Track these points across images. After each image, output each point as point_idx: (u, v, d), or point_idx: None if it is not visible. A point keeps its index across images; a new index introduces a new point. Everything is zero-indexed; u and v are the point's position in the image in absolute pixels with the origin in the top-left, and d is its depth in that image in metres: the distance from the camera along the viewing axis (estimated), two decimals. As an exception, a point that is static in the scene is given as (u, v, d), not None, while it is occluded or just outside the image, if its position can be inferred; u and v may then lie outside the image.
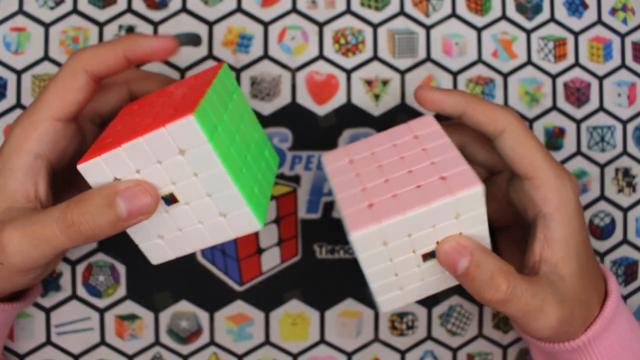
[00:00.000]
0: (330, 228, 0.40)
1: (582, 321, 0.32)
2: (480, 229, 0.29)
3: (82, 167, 0.28)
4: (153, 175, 0.28)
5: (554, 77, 0.42)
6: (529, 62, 0.42)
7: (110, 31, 0.39)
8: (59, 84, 0.30)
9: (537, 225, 0.32)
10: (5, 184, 0.30)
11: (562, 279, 0.31)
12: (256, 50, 0.40)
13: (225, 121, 0.29)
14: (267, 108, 0.40)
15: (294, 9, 0.40)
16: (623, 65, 0.42)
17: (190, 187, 0.28)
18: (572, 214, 0.31)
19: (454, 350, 0.41)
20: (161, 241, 0.30)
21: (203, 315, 0.40)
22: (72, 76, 0.30)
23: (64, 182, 0.34)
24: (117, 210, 0.27)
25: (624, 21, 0.42)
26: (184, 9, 0.40)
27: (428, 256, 0.30)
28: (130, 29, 0.39)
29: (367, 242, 0.29)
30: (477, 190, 0.27)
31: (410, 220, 0.28)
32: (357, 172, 0.31)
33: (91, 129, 0.34)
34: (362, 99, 0.41)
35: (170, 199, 0.29)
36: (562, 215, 0.31)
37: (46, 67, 0.39)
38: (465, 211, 0.28)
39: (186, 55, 0.40)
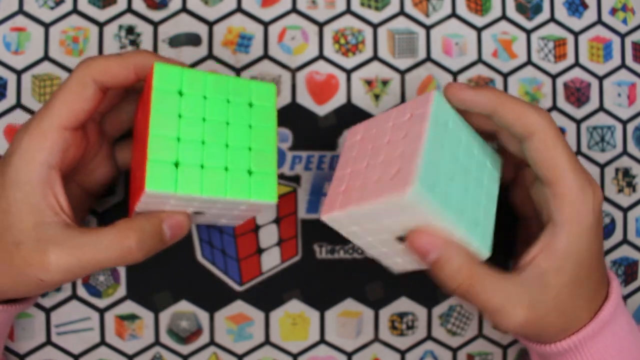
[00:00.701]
0: (330, 228, 0.40)
1: (561, 330, 0.32)
2: (435, 220, 0.29)
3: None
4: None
5: (554, 77, 0.42)
6: (529, 62, 0.42)
7: (110, 31, 0.39)
8: (68, 92, 0.30)
9: (545, 230, 0.32)
10: (26, 198, 0.29)
11: (545, 286, 0.31)
12: (256, 50, 0.40)
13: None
14: (267, 108, 0.40)
15: (294, 9, 0.40)
16: (623, 65, 0.42)
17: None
18: (584, 228, 0.31)
19: (454, 350, 0.41)
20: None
21: (203, 315, 0.40)
22: (81, 85, 0.30)
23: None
24: (164, 236, 0.31)
25: (624, 21, 0.42)
26: (184, 9, 0.40)
27: (401, 240, 0.31)
28: (130, 29, 0.39)
29: (336, 223, 0.31)
30: (407, 193, 0.27)
31: (357, 212, 0.30)
32: (357, 151, 0.32)
33: (93, 127, 0.34)
34: (362, 99, 0.41)
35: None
36: (572, 229, 0.31)
37: (46, 67, 0.39)
38: (408, 209, 0.28)
39: (186, 55, 0.40)
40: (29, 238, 0.29)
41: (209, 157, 0.29)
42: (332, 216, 0.31)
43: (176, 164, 0.29)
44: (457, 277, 0.30)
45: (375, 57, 0.41)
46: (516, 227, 0.39)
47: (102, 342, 0.40)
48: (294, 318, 0.41)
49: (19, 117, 0.39)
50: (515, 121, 0.31)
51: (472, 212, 0.30)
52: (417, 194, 0.27)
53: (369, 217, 0.30)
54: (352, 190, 0.30)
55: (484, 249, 0.31)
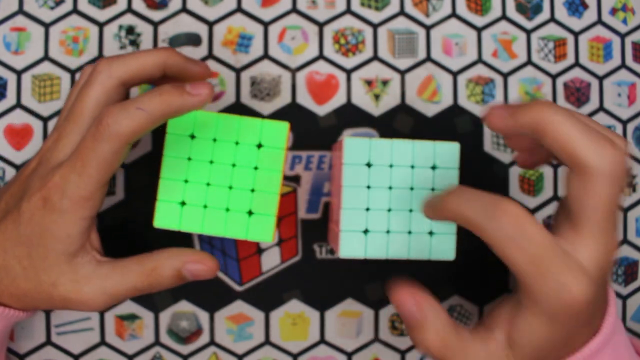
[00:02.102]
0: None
1: None
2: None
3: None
4: None
5: (554, 77, 0.42)
6: (529, 62, 0.42)
7: (110, 31, 0.39)
8: (102, 156, 0.29)
9: (511, 299, 0.30)
10: (65, 248, 0.31)
11: (507, 357, 0.29)
12: (256, 50, 0.40)
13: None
14: (267, 108, 0.40)
15: (294, 9, 0.40)
16: (623, 65, 0.42)
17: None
18: (548, 316, 0.28)
19: (454, 350, 0.41)
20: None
21: (203, 315, 0.40)
22: (116, 152, 0.29)
23: None
24: (183, 279, 0.32)
25: (624, 21, 0.42)
26: (184, 9, 0.40)
27: None
28: (130, 29, 0.39)
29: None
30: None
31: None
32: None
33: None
34: (362, 99, 0.41)
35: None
36: (534, 316, 0.28)
37: (46, 67, 0.39)
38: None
39: (186, 55, 0.40)
40: (67, 280, 0.31)
41: (212, 198, 0.32)
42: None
43: (182, 203, 0.32)
44: (429, 344, 0.29)
45: (375, 57, 0.41)
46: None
47: (102, 342, 0.40)
48: (294, 318, 0.41)
49: (19, 117, 0.39)
50: (559, 149, 0.27)
51: (420, 229, 0.33)
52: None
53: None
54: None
55: (447, 256, 0.34)
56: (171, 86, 0.29)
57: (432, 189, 0.33)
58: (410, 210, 0.33)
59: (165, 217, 0.32)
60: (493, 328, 0.30)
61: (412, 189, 0.33)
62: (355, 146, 0.33)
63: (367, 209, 0.33)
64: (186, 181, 0.32)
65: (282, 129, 0.32)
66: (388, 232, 0.33)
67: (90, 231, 0.32)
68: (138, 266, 0.32)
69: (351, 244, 0.33)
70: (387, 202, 0.33)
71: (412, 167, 0.33)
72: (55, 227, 0.30)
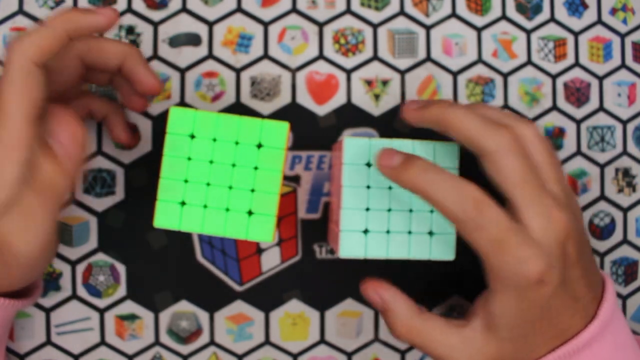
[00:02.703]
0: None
1: (521, 356, 0.32)
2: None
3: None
4: None
5: (554, 77, 0.42)
6: (529, 62, 0.42)
7: (110, 31, 0.39)
8: (18, 87, 0.28)
9: (485, 290, 0.32)
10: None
11: (485, 340, 0.32)
12: (256, 50, 0.40)
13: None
14: (267, 108, 0.40)
15: (294, 9, 0.40)
16: (623, 65, 0.42)
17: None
18: (514, 294, 0.30)
19: (454, 350, 0.41)
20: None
21: (203, 315, 0.40)
22: (27, 75, 0.28)
23: None
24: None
25: (624, 21, 0.42)
26: (184, 9, 0.40)
27: None
28: (130, 29, 0.39)
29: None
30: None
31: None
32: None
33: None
34: (362, 99, 0.41)
35: None
36: (502, 295, 0.30)
37: (46, 67, 0.39)
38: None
39: (186, 55, 0.40)
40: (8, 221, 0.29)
41: (212, 198, 0.32)
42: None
43: (182, 203, 0.32)
44: (395, 328, 0.33)
45: (375, 57, 0.41)
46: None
47: (102, 342, 0.40)
48: (294, 318, 0.40)
49: (19, 117, 0.39)
50: (464, 142, 0.31)
51: (420, 229, 0.34)
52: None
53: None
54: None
55: (447, 256, 0.34)
56: (77, 8, 0.30)
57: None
58: (410, 211, 0.33)
59: (165, 217, 0.32)
60: (470, 317, 0.33)
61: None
62: (355, 146, 0.33)
63: (367, 209, 0.33)
64: (186, 181, 0.32)
65: (282, 129, 0.32)
66: (388, 232, 0.33)
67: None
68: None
69: (351, 244, 0.33)
70: (387, 202, 0.33)
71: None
72: None
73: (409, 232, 0.33)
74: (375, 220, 0.33)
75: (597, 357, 0.32)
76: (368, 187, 0.33)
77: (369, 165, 0.33)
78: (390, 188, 0.33)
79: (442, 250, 0.34)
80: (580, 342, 0.31)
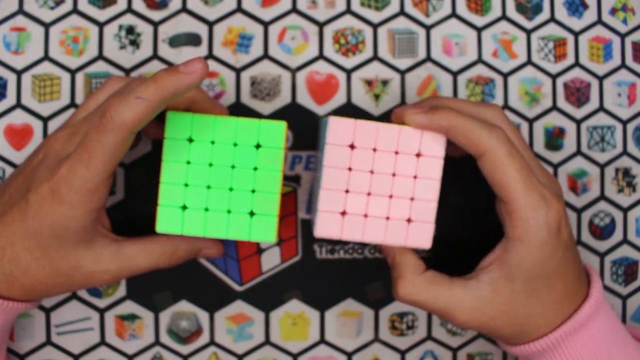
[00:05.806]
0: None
1: (519, 332, 0.34)
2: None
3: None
4: None
5: (554, 77, 0.42)
6: (529, 62, 0.42)
7: (110, 31, 0.39)
8: (109, 150, 0.29)
9: (500, 242, 0.33)
10: (79, 237, 0.32)
11: (495, 291, 0.33)
12: (256, 50, 0.40)
13: None
14: (267, 108, 0.40)
15: (294, 9, 0.40)
16: (623, 65, 0.42)
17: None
18: (535, 245, 0.32)
19: (454, 350, 0.41)
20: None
21: (203, 315, 0.40)
22: (121, 142, 0.29)
23: None
24: (194, 258, 0.38)
25: (624, 21, 0.42)
26: (184, 9, 0.40)
27: None
28: (130, 29, 0.39)
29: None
30: (428, 245, 0.32)
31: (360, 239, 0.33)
32: (350, 165, 0.32)
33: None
34: (362, 99, 0.41)
35: None
36: (523, 246, 0.32)
37: (46, 67, 0.39)
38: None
39: (186, 55, 0.40)
40: (89, 262, 0.33)
41: (213, 201, 0.32)
42: (330, 236, 0.32)
43: (183, 207, 0.32)
44: (404, 284, 0.34)
45: (375, 57, 0.41)
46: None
47: (102, 342, 0.40)
48: (294, 318, 0.41)
49: (19, 117, 0.39)
50: (466, 143, 0.32)
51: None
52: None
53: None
54: (355, 218, 0.32)
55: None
56: (164, 70, 0.29)
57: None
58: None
59: (167, 222, 0.32)
60: (478, 272, 0.33)
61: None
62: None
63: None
64: (186, 185, 0.32)
65: (280, 128, 0.32)
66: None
67: (101, 216, 0.33)
68: (160, 248, 0.34)
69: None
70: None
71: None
72: (66, 220, 0.31)
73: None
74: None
75: (599, 331, 0.34)
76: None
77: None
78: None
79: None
80: (581, 317, 0.33)
